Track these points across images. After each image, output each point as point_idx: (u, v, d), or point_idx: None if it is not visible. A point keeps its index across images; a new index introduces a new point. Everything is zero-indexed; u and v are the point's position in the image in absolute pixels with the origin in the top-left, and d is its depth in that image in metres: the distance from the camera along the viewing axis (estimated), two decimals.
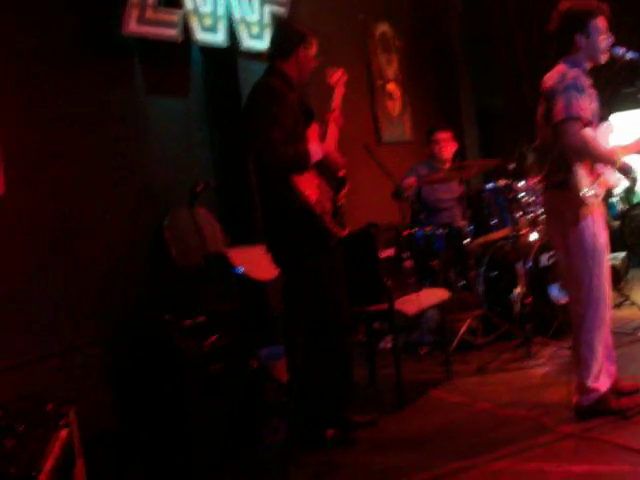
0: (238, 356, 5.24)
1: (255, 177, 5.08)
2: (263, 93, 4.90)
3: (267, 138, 4.68)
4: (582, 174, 4.41)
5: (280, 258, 4.98)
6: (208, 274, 5.65)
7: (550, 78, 4.58)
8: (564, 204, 4.54)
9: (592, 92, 4.57)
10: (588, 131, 4.44)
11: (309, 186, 4.82)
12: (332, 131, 5.18)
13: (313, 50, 5.05)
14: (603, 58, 4.63)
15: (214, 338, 5.13)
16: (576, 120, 4.38)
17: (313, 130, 5.06)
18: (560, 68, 4.58)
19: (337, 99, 5.29)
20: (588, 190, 4.40)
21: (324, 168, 5.01)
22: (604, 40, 4.59)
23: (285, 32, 5.13)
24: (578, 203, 4.44)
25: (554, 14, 4.68)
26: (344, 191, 5.12)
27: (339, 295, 5.06)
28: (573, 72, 4.51)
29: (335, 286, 5.02)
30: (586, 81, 4.54)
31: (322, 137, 5.13)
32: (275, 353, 5.64)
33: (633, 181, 11.51)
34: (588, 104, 4.47)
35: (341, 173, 5.14)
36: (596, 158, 4.50)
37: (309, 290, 4.89)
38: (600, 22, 4.58)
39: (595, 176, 4.49)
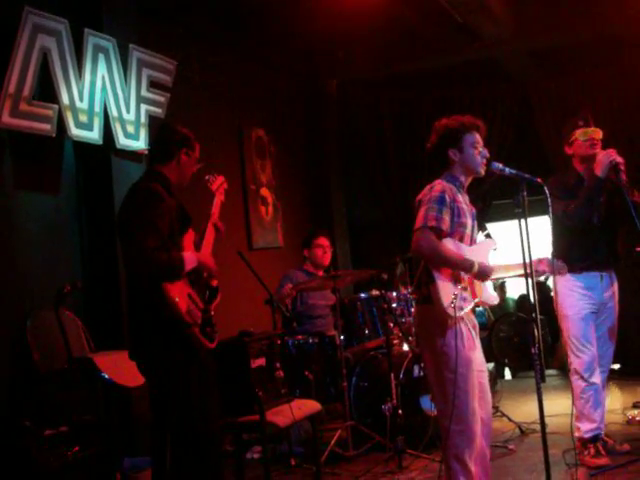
0: (101, 468, 4.98)
1: (126, 282, 4.87)
2: (140, 196, 4.68)
3: (141, 243, 4.47)
4: (444, 286, 4.42)
5: (147, 368, 4.73)
6: (72, 380, 5.40)
7: (422, 191, 4.64)
8: (429, 317, 4.52)
9: (465, 207, 4.61)
10: (446, 241, 4.46)
11: (180, 295, 4.59)
12: (209, 238, 5.04)
13: (195, 154, 4.94)
14: (481, 170, 4.70)
15: (76, 449, 4.87)
16: (429, 229, 4.42)
17: (189, 237, 4.91)
18: (435, 182, 4.63)
19: (217, 206, 5.18)
20: (450, 303, 4.40)
21: (197, 276, 4.83)
22: (478, 154, 4.67)
23: (168, 134, 4.93)
24: (441, 316, 4.43)
25: (431, 131, 4.77)
26: (216, 302, 4.95)
27: (210, 407, 4.84)
28: (443, 186, 4.56)
29: (206, 398, 4.80)
30: (459, 196, 4.59)
31: (198, 244, 4.99)
32: (140, 464, 5.41)
33: (501, 292, 11.86)
34: (451, 217, 4.50)
35: (214, 283, 4.98)
36: (449, 265, 4.49)
37: (177, 403, 4.63)
38: (474, 136, 4.68)
39: (460, 287, 4.49)
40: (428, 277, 4.45)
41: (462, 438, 4.47)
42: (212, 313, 4.83)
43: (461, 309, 4.46)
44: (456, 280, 4.49)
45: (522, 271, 4.53)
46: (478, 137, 4.69)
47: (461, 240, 4.57)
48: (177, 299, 4.53)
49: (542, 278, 5.19)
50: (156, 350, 4.60)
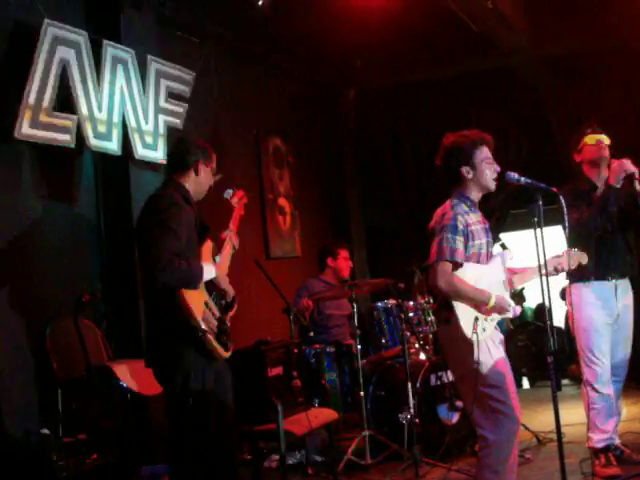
0: (119, 475, 5.01)
1: (143, 289, 4.91)
2: (160, 203, 4.72)
3: (162, 249, 4.49)
4: (464, 312, 4.42)
5: (162, 374, 4.75)
6: (90, 388, 5.44)
7: (435, 215, 4.62)
8: (450, 339, 4.52)
9: (479, 227, 4.60)
10: (467, 267, 4.46)
11: (196, 302, 4.62)
12: (227, 251, 5.08)
13: (212, 166, 4.98)
14: (493, 187, 4.71)
15: (95, 456, 4.90)
16: (445, 262, 4.41)
17: (207, 247, 4.95)
18: (446, 205, 4.62)
19: (235, 220, 5.22)
20: (473, 327, 4.39)
21: (214, 287, 4.86)
22: (490, 169, 4.67)
23: (186, 146, 4.98)
24: (463, 340, 4.43)
25: (440, 148, 4.74)
26: (232, 312, 4.98)
27: (226, 415, 4.88)
28: (455, 212, 4.54)
29: (222, 405, 4.84)
30: (471, 217, 4.59)
31: (214, 254, 5.03)
32: (158, 472, 5.43)
33: (520, 300, 11.81)
34: (465, 243, 4.50)
35: (231, 294, 5.02)
36: (467, 301, 4.50)
37: (194, 409, 4.63)
38: (484, 152, 4.67)
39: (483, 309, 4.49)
40: (447, 302, 4.44)
41: (502, 450, 4.46)
42: (228, 323, 4.85)
43: (484, 330, 4.46)
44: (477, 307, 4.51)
45: (537, 274, 4.54)
46: (487, 152, 4.67)
47: (478, 261, 4.56)
48: (193, 306, 4.56)
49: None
50: (171, 355, 4.63)
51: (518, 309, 4.61)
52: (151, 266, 4.58)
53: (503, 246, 5.50)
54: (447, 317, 4.48)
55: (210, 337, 4.61)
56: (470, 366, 4.44)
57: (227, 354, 4.75)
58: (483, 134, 4.72)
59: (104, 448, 5.11)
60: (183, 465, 4.69)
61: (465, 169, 4.62)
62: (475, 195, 4.68)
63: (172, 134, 7.02)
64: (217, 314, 4.78)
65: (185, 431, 4.68)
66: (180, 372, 4.61)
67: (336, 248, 7.71)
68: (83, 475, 4.84)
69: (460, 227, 4.49)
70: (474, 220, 4.59)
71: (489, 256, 4.66)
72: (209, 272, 4.73)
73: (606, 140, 5.89)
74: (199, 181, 4.90)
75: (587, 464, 5.61)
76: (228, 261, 5.06)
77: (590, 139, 5.88)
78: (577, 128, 6.13)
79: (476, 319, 4.42)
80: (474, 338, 4.38)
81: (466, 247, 4.50)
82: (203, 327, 4.56)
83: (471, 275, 4.49)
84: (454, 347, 4.53)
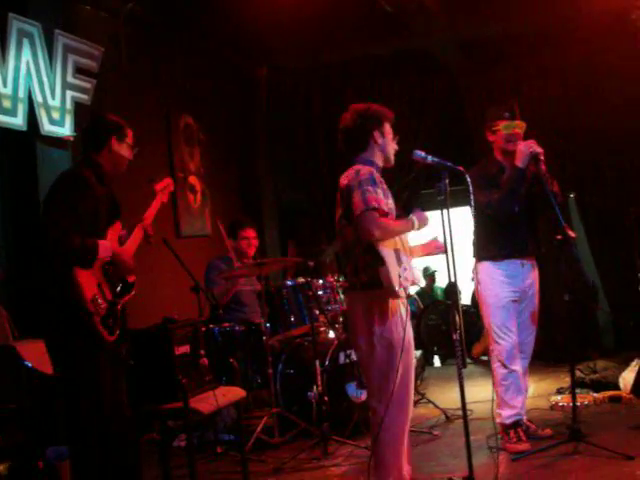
0: (24, 456, 4.93)
1: (37, 266, 4.89)
2: (67, 180, 4.76)
3: (56, 223, 4.52)
4: (392, 268, 4.45)
5: (53, 353, 4.76)
6: None
7: (346, 177, 4.64)
8: (373, 301, 4.53)
9: (386, 188, 4.67)
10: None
11: (88, 282, 4.63)
12: (136, 236, 5.08)
13: (129, 141, 4.98)
14: (393, 161, 4.79)
15: None
16: (372, 211, 4.45)
17: (115, 228, 4.95)
18: (355, 167, 4.65)
19: (155, 208, 5.26)
20: (399, 284, 4.44)
21: (114, 269, 4.86)
22: (392, 144, 4.75)
23: (99, 123, 5.00)
24: (384, 300, 4.47)
25: (349, 113, 4.78)
26: (128, 296, 4.97)
27: (120, 396, 4.87)
28: (367, 168, 4.60)
29: (115, 391, 4.83)
30: (380, 177, 4.64)
31: (124, 239, 5.02)
32: (64, 453, 5.36)
33: (432, 279, 11.99)
34: (383, 197, 4.55)
35: (131, 279, 5.00)
36: (401, 232, 4.61)
37: (86, 389, 4.66)
38: (389, 127, 4.78)
39: (402, 268, 4.54)
40: (375, 260, 4.46)
41: (397, 422, 4.52)
42: (119, 307, 4.84)
43: (404, 289, 4.52)
44: (399, 261, 4.54)
45: (422, 253, 4.75)
46: (390, 128, 4.79)
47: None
48: (83, 285, 4.57)
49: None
50: (61, 337, 4.65)
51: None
52: (46, 240, 4.58)
53: None
54: (368, 279, 4.50)
55: (95, 320, 4.61)
56: (381, 334, 4.49)
57: (111, 337, 4.73)
58: (389, 110, 4.81)
59: (8, 429, 5.00)
60: (81, 447, 4.68)
61: (377, 134, 4.68)
62: (379, 163, 4.74)
63: (80, 110, 6.91)
64: (109, 297, 4.78)
65: (80, 414, 4.67)
66: (69, 355, 4.64)
67: (236, 229, 7.64)
68: None
69: (377, 181, 4.55)
70: (383, 181, 4.64)
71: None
72: (105, 251, 4.73)
73: (521, 129, 5.96)
74: (114, 157, 4.91)
75: (494, 440, 5.72)
76: (136, 245, 5.06)
77: (506, 127, 5.92)
78: (495, 106, 6.16)
79: (400, 277, 4.48)
80: (401, 294, 4.44)
81: None
82: (89, 308, 4.56)
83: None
84: (369, 313, 4.53)
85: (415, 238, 4.84)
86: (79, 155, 5.60)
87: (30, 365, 5.40)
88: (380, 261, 4.44)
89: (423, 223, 4.68)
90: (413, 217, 4.64)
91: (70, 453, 4.83)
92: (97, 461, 4.67)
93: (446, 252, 4.59)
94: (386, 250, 4.48)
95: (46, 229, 4.60)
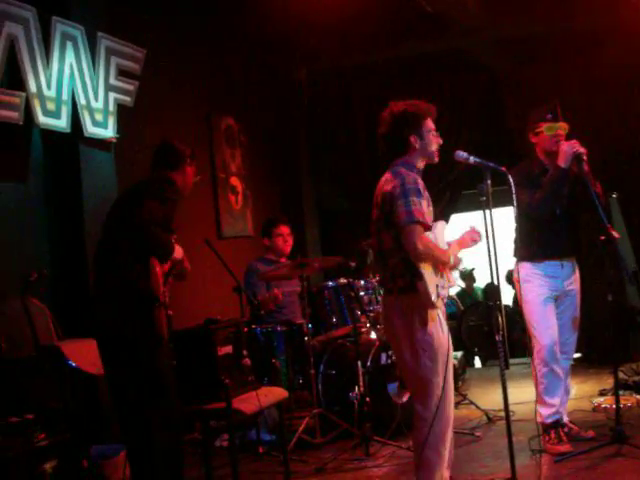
0: (68, 455, 4.98)
1: (101, 259, 4.96)
2: (163, 180, 5.02)
3: (156, 218, 4.71)
4: (429, 278, 4.44)
5: (119, 344, 4.81)
6: (39, 367, 5.39)
7: (388, 181, 4.60)
8: (411, 308, 4.51)
9: (428, 196, 4.64)
10: (428, 235, 4.51)
11: (159, 275, 4.80)
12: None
13: (195, 168, 5.26)
14: (436, 157, 4.75)
15: (42, 436, 4.86)
16: (417, 224, 4.43)
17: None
18: (399, 171, 4.62)
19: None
20: (436, 293, 4.43)
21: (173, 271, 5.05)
22: (435, 140, 4.70)
23: (172, 149, 5.21)
24: (426, 307, 4.46)
25: (386, 116, 4.75)
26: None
27: (175, 393, 4.94)
28: (412, 176, 4.56)
29: (173, 384, 4.90)
30: (423, 184, 4.62)
31: None
32: (107, 451, 5.41)
33: (470, 280, 11.93)
34: (426, 207, 4.54)
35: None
36: (437, 261, 4.55)
37: (153, 376, 4.78)
38: (430, 123, 4.72)
39: (439, 276, 4.54)
40: (412, 269, 4.45)
41: (442, 427, 4.51)
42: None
43: (443, 298, 4.56)
44: (436, 270, 4.54)
45: (459, 248, 4.74)
46: (432, 124, 4.73)
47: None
48: (156, 277, 4.75)
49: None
50: (132, 322, 4.75)
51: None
52: (140, 223, 4.71)
53: None
54: (406, 284, 4.50)
55: (162, 310, 4.75)
56: (422, 338, 4.48)
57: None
58: (429, 105, 4.76)
59: (53, 428, 5.05)
60: (146, 435, 4.76)
61: (414, 137, 4.64)
62: (420, 165, 4.71)
63: (123, 112, 6.97)
64: (168, 294, 4.94)
65: (144, 403, 4.75)
66: (138, 342, 4.75)
67: (270, 227, 7.66)
68: (31, 454, 4.79)
69: (422, 191, 4.53)
70: (424, 186, 4.62)
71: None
72: (178, 252, 4.97)
73: (564, 130, 5.90)
74: (185, 180, 5.19)
75: (536, 442, 5.66)
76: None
77: (549, 129, 5.86)
78: (538, 108, 6.07)
79: (437, 286, 4.47)
80: (438, 304, 4.44)
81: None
82: (161, 299, 4.73)
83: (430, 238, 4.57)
84: (409, 317, 4.52)
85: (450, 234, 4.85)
86: (122, 159, 5.70)
87: (74, 365, 5.45)
88: (416, 271, 4.43)
89: (456, 265, 4.69)
90: (453, 255, 4.65)
91: (131, 445, 4.91)
92: (161, 446, 4.75)
93: (487, 245, 4.60)
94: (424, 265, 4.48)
95: (141, 221, 4.73)
